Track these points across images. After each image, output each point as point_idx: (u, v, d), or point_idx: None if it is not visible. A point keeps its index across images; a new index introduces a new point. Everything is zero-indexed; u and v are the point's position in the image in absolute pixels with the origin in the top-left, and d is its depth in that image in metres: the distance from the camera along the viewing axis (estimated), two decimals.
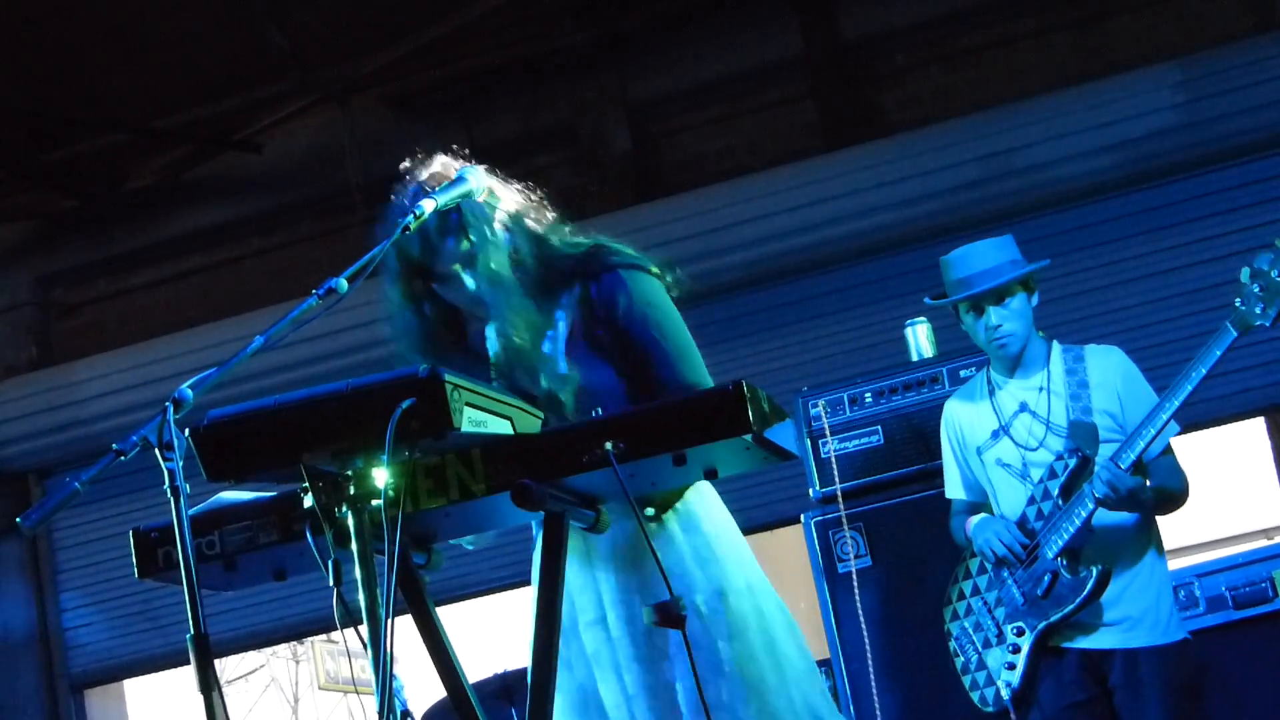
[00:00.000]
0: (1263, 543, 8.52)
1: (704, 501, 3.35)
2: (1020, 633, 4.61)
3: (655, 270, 3.39)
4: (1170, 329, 7.26)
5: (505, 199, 3.36)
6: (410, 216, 3.01)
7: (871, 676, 5.39)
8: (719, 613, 3.22)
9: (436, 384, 2.51)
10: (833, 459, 5.64)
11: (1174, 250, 7.73)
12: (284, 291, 8.24)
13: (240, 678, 13.18)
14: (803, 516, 5.67)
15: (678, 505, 3.30)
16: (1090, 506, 4.46)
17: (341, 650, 13.31)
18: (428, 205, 3.06)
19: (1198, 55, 7.70)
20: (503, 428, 2.66)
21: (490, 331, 3.34)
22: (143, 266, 9.55)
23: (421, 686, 6.97)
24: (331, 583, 2.62)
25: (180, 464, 2.52)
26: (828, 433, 5.66)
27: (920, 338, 5.88)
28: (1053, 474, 4.58)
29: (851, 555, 5.53)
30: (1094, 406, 4.60)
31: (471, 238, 3.27)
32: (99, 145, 9.08)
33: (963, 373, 5.43)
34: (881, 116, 8.42)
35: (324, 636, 11.57)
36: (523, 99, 8.75)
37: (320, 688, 13.81)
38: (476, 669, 6.79)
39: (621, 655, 3.24)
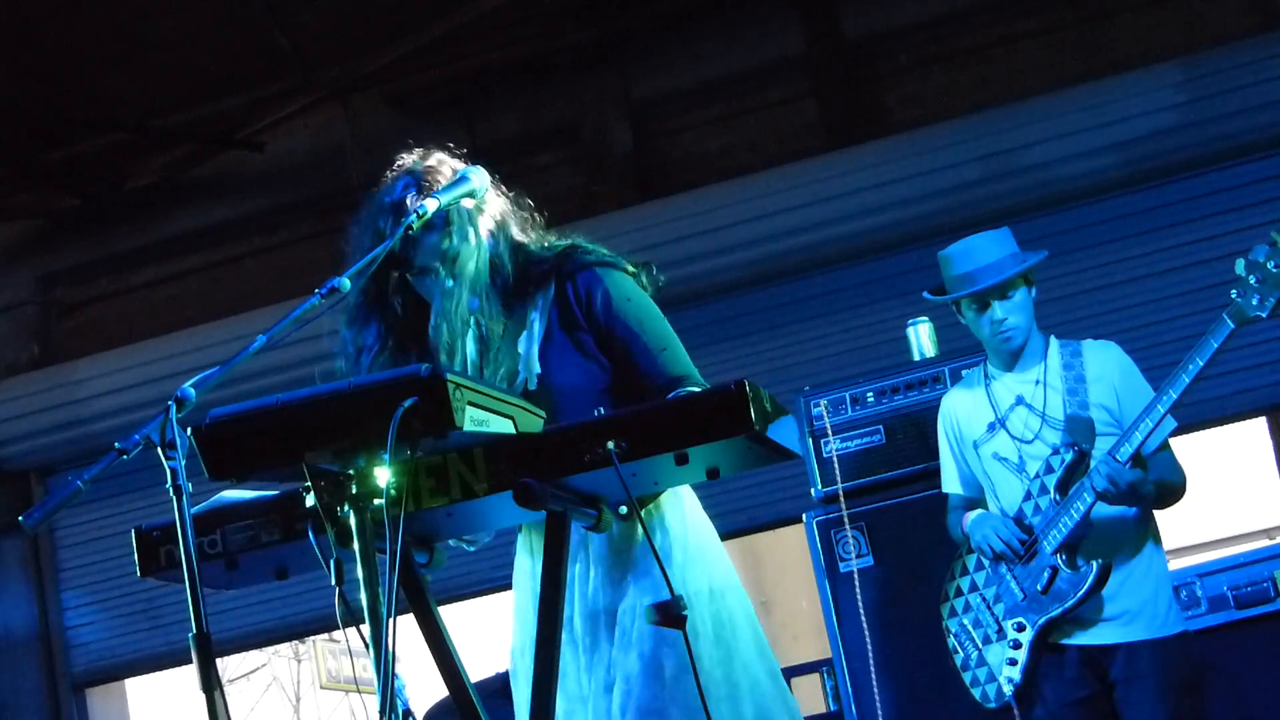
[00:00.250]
0: (1264, 542, 8.52)
1: (676, 504, 3.34)
2: (1021, 628, 4.61)
3: (630, 269, 3.40)
4: (1171, 328, 7.26)
5: (493, 204, 3.37)
6: (413, 215, 3.01)
7: (873, 675, 5.38)
8: (626, 627, 3.22)
9: (438, 383, 2.51)
10: (834, 458, 5.63)
11: (1175, 250, 7.73)
12: (286, 290, 8.24)
13: (242, 677, 13.18)
14: (804, 516, 5.67)
15: (650, 506, 3.29)
16: (1089, 501, 4.45)
17: (343, 649, 13.31)
18: (430, 204, 3.07)
19: (1199, 55, 7.70)
20: (505, 427, 2.66)
21: (443, 329, 3.33)
22: (144, 265, 9.55)
23: (423, 685, 6.97)
24: (333, 582, 2.63)
25: (182, 463, 2.52)
26: (829, 432, 5.66)
27: (922, 337, 5.87)
28: (1049, 469, 4.58)
29: (853, 554, 5.53)
30: (1091, 401, 4.60)
31: (454, 237, 3.27)
32: (100, 144, 9.08)
33: (964, 372, 5.42)
34: (883, 116, 8.41)
35: (326, 635, 11.56)
36: (524, 98, 8.75)
37: (322, 687, 13.81)
38: (478, 668, 6.79)
39: (591, 658, 3.24)
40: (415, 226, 3.03)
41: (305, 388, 2.61)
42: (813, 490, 5.67)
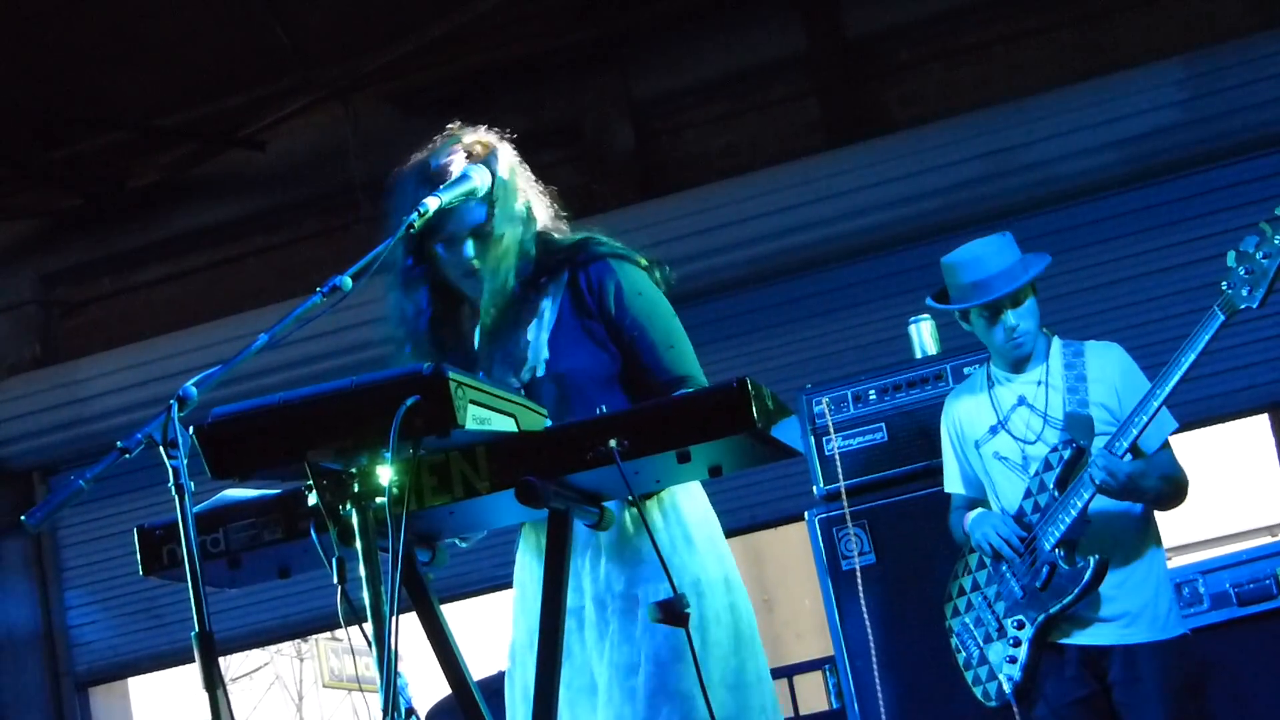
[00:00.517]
0: (1267, 540, 8.52)
1: (690, 493, 3.34)
2: (1020, 626, 4.61)
3: (644, 263, 3.41)
4: (1172, 325, 7.25)
5: (526, 187, 3.40)
6: (414, 214, 3.01)
7: (875, 673, 5.38)
8: (690, 602, 3.19)
9: (440, 381, 2.51)
10: (836, 456, 5.63)
11: (1176, 247, 7.73)
12: (287, 289, 8.24)
13: (244, 675, 13.19)
14: (807, 514, 5.67)
15: (663, 494, 3.29)
16: (1086, 496, 4.45)
17: (346, 648, 13.31)
18: (432, 203, 3.07)
19: (1200, 52, 7.70)
20: (507, 425, 2.66)
21: (491, 312, 3.34)
22: (146, 264, 9.56)
23: (426, 684, 6.97)
24: (336, 580, 2.62)
25: (184, 461, 2.53)
26: (831, 430, 5.66)
27: (924, 335, 5.87)
28: (1048, 466, 4.58)
29: (855, 552, 5.53)
30: (1090, 400, 4.60)
31: (498, 216, 3.29)
32: (102, 143, 9.08)
33: (966, 370, 5.42)
34: (884, 114, 8.41)
35: (328, 634, 11.57)
36: (526, 97, 8.75)
37: (324, 685, 13.82)
38: (481, 666, 6.79)
39: (601, 643, 3.23)
40: (416, 224, 3.03)
41: (307, 386, 2.61)
42: (815, 488, 5.67)
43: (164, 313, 9.38)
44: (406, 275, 3.41)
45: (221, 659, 2.55)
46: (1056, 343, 4.76)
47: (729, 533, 3.51)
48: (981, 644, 4.74)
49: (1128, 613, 4.52)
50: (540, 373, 3.30)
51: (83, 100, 8.74)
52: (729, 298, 8.21)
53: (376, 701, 2.55)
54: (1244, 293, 4.37)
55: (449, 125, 3.49)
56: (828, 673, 7.03)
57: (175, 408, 2.55)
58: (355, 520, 2.63)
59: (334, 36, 8.53)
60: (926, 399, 5.57)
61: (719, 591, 3.27)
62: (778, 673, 6.21)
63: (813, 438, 5.67)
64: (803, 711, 7.22)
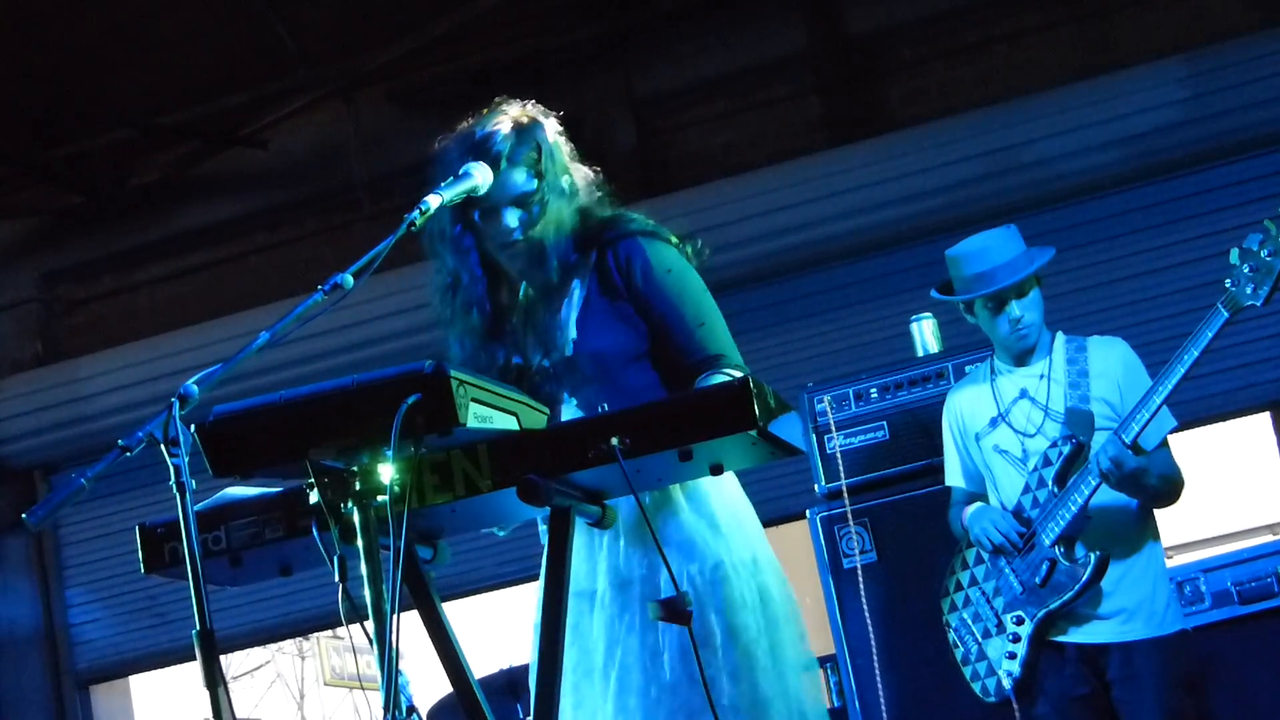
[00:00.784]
0: (1268, 538, 8.52)
1: (698, 480, 3.32)
2: (1020, 621, 4.61)
3: (674, 240, 3.40)
4: (1174, 323, 7.25)
5: (569, 164, 3.42)
6: (416, 212, 3.01)
7: (877, 672, 5.38)
8: (715, 585, 3.20)
9: (442, 380, 2.51)
10: (838, 454, 5.63)
11: (1178, 245, 7.73)
12: (289, 288, 8.24)
13: (246, 674, 13.17)
14: (808, 512, 5.67)
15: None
16: (1086, 492, 4.45)
17: (347, 646, 13.30)
18: (433, 201, 3.06)
19: (1203, 50, 7.70)
20: (508, 423, 2.66)
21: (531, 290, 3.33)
22: (148, 263, 9.56)
23: (427, 682, 6.98)
24: (337, 578, 2.62)
25: (186, 460, 2.53)
26: (833, 428, 5.66)
27: (925, 333, 5.87)
28: (1047, 461, 4.58)
29: (857, 551, 5.53)
30: (1092, 394, 4.60)
31: (544, 179, 3.31)
32: (104, 142, 9.09)
33: (968, 368, 5.42)
34: (886, 112, 8.41)
35: (329, 632, 11.56)
36: (527, 95, 8.66)
37: (326, 683, 13.80)
38: (482, 664, 6.79)
39: (617, 626, 3.23)
40: (418, 223, 3.02)
41: (309, 384, 2.61)
42: (816, 486, 5.68)
43: (165, 311, 9.38)
44: (456, 244, 3.38)
45: (223, 657, 2.55)
46: (1060, 337, 4.76)
47: None
48: (980, 640, 4.73)
49: (1125, 609, 4.52)
50: (568, 352, 3.30)
51: (84, 99, 8.74)
52: (730, 296, 8.16)
53: (378, 700, 2.55)
54: (1248, 290, 4.36)
55: (495, 99, 3.50)
56: (829, 671, 7.02)
57: (176, 406, 2.55)
58: (357, 518, 2.63)
59: (335, 35, 8.54)
60: (928, 397, 5.57)
61: (746, 574, 3.25)
62: None
63: (814, 436, 5.67)
64: None
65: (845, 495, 5.56)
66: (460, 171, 3.22)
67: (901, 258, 7.98)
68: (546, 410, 2.81)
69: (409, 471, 2.59)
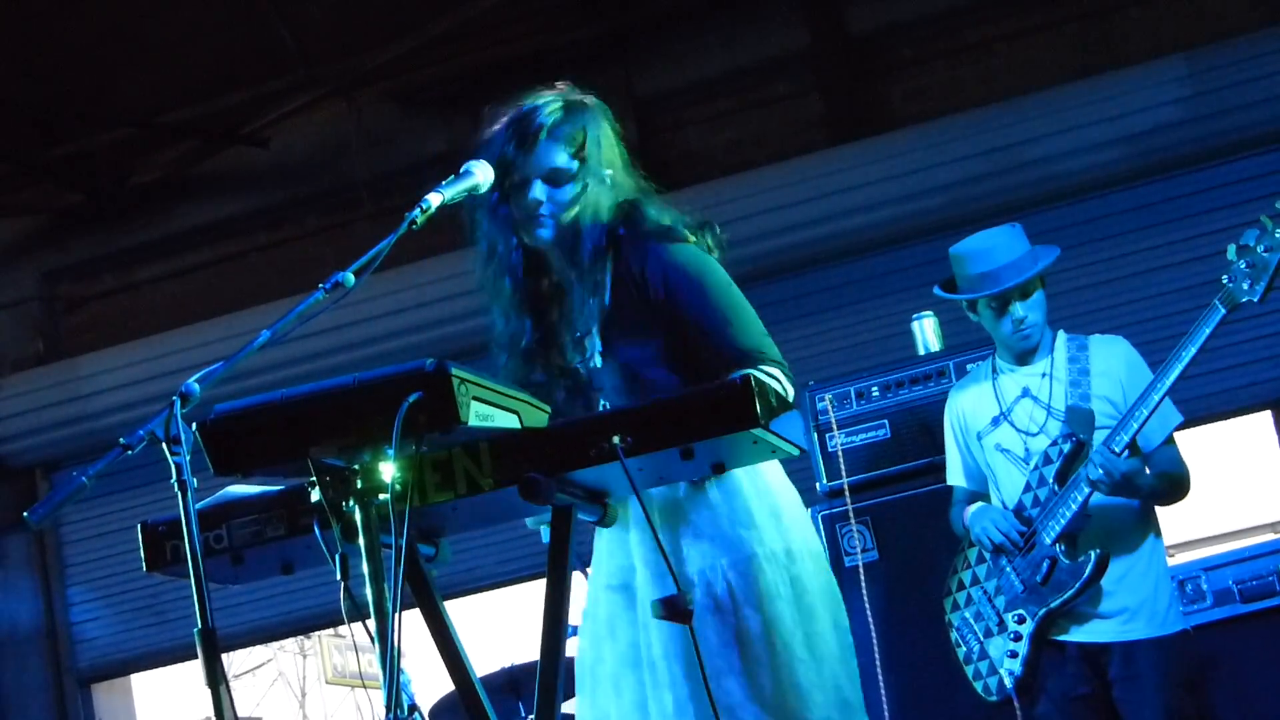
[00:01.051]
0: (1269, 537, 8.52)
1: (745, 470, 3.28)
2: (1021, 620, 4.61)
3: (691, 238, 3.35)
4: (1176, 322, 7.23)
5: (614, 155, 3.39)
6: (417, 211, 3.00)
7: (878, 670, 5.39)
8: (747, 578, 3.17)
9: (443, 378, 2.51)
10: (839, 453, 5.63)
11: (1180, 244, 7.72)
12: (290, 286, 8.23)
13: (247, 672, 13.17)
14: (809, 510, 5.66)
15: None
16: (1086, 491, 4.45)
17: (349, 644, 13.30)
18: (434, 199, 3.05)
19: (1205, 49, 7.69)
20: (509, 422, 2.66)
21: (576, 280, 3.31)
22: (149, 261, 9.56)
23: (429, 681, 6.98)
24: (339, 577, 2.62)
25: (187, 458, 2.52)
26: (834, 427, 5.66)
27: (927, 331, 5.87)
28: (1047, 460, 4.58)
29: (858, 549, 5.53)
30: (1093, 393, 4.60)
31: (585, 163, 3.29)
32: (106, 140, 9.08)
33: (969, 366, 5.43)
34: (888, 110, 8.41)
35: (331, 631, 11.57)
36: (528, 94, 8.73)
37: (328, 682, 13.80)
38: (484, 663, 6.80)
39: (643, 619, 3.22)
40: (419, 222, 3.02)
41: (310, 383, 2.61)
42: (818, 485, 5.68)
43: (166, 310, 9.38)
44: (492, 210, 3.37)
45: (224, 655, 2.55)
46: (1062, 336, 4.76)
47: None
48: (982, 638, 4.74)
49: (1127, 608, 4.52)
50: (597, 364, 3.29)
51: (85, 97, 8.74)
52: None
53: (379, 698, 2.55)
54: (1245, 286, 4.36)
55: (558, 82, 3.49)
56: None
57: (178, 404, 2.55)
58: (358, 516, 2.63)
59: (337, 33, 8.53)
60: (929, 395, 5.58)
61: (778, 565, 3.21)
62: None
63: (815, 434, 5.67)
64: None
65: (846, 493, 5.56)
66: (462, 170, 3.21)
67: (902, 256, 7.98)
68: (548, 409, 2.81)
69: (410, 470, 2.59)
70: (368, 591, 2.62)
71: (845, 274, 8.19)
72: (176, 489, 2.51)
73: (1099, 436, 4.50)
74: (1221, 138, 7.63)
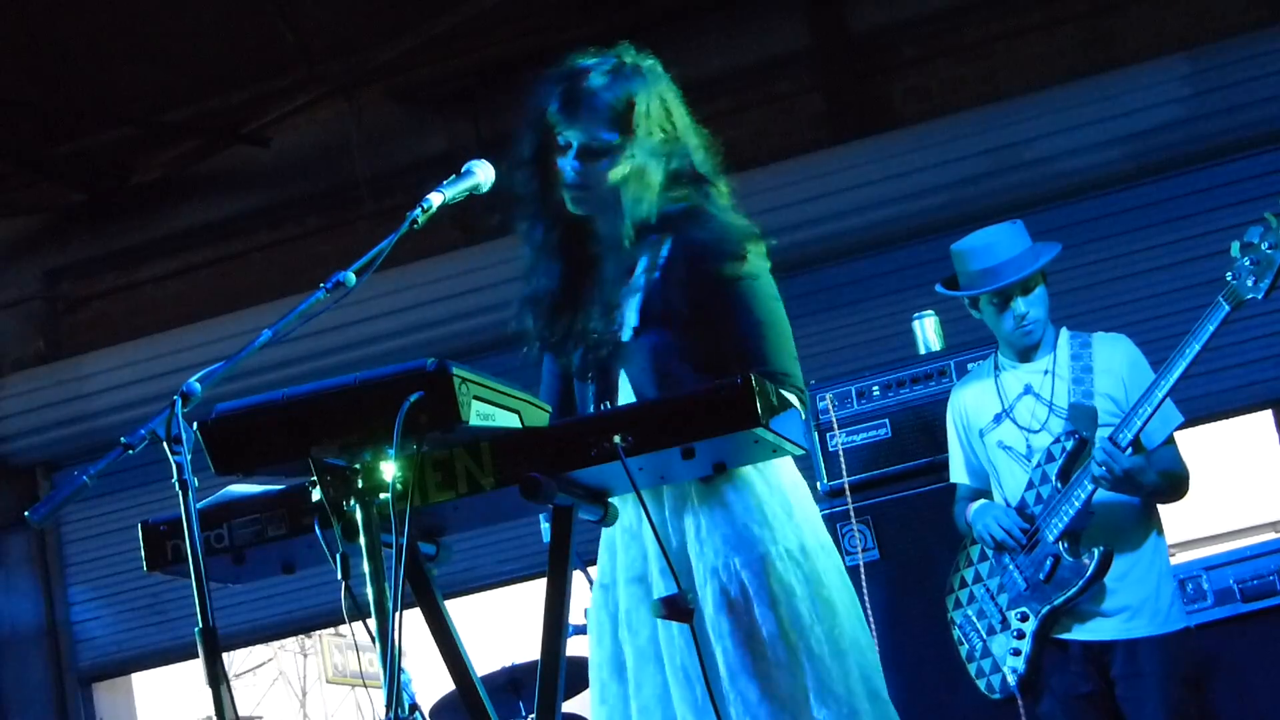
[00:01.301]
0: (1270, 536, 8.52)
1: (746, 470, 3.27)
2: (1024, 618, 4.61)
3: (749, 249, 3.29)
4: (1178, 321, 7.22)
5: (670, 126, 3.34)
6: (418, 210, 3.00)
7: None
8: (762, 576, 3.16)
9: (444, 377, 2.51)
10: (840, 452, 5.63)
11: (1182, 243, 7.72)
12: (292, 285, 8.24)
13: (248, 671, 13.17)
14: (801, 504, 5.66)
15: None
16: (1089, 488, 4.45)
17: (350, 644, 13.30)
18: (435, 199, 3.05)
19: (1206, 47, 7.69)
20: (510, 421, 2.66)
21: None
22: (150, 260, 9.57)
23: (430, 680, 6.98)
24: (340, 576, 2.62)
25: (188, 457, 2.52)
26: (835, 426, 5.66)
27: (928, 330, 5.87)
28: (1050, 457, 4.58)
29: (859, 548, 5.53)
30: (1096, 390, 4.60)
31: (631, 134, 3.25)
32: (107, 139, 9.09)
33: (970, 365, 5.43)
34: (889, 109, 8.41)
35: (332, 630, 11.57)
36: (531, 92, 8.73)
37: (328, 681, 13.80)
38: (485, 662, 6.80)
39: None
40: (420, 221, 3.02)
41: (311, 382, 2.61)
42: (819, 484, 5.67)
43: (168, 308, 9.39)
44: (530, 164, 3.37)
45: (225, 654, 2.56)
46: (1065, 333, 4.76)
47: None
48: (985, 636, 4.74)
49: (1129, 606, 4.52)
50: (624, 338, 3.27)
51: (87, 96, 8.74)
52: None
53: (380, 697, 2.55)
54: (1249, 283, 4.36)
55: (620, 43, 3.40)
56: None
57: (179, 403, 2.55)
58: (359, 516, 2.63)
59: (338, 32, 8.53)
60: (930, 395, 5.57)
61: (793, 562, 3.20)
62: None
63: (816, 433, 5.67)
64: None
65: (847, 493, 5.56)
66: (463, 169, 3.21)
67: (903, 255, 7.98)
68: (549, 408, 2.80)
69: (411, 469, 2.59)
70: (368, 591, 2.62)
71: (846, 273, 8.19)
72: (177, 488, 2.51)
73: (1101, 434, 4.50)
74: (1222, 137, 7.62)
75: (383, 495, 2.60)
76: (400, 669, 2.56)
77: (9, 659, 9.29)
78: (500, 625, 9.03)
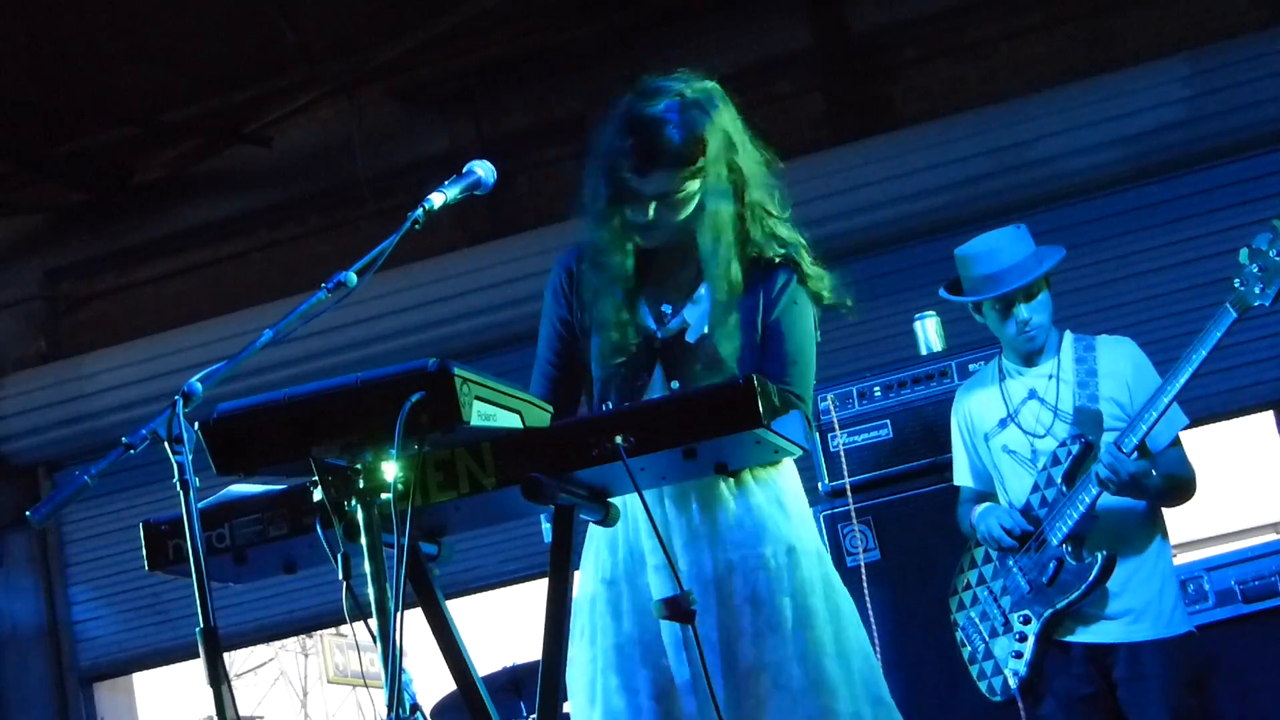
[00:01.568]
0: (1272, 537, 8.52)
1: (787, 467, 3.36)
2: (1027, 621, 4.61)
3: (810, 273, 3.55)
4: (1180, 322, 7.25)
5: (741, 145, 3.44)
6: (419, 210, 3.00)
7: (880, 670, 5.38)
8: (787, 569, 3.22)
9: (446, 377, 2.50)
10: (841, 453, 5.63)
11: (1183, 244, 7.72)
12: (293, 285, 8.24)
13: (249, 671, 13.20)
14: (811, 510, 5.66)
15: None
16: (1094, 492, 4.45)
17: (351, 644, 13.32)
18: (436, 199, 3.05)
19: (1207, 48, 7.69)
20: (512, 421, 2.66)
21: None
22: (151, 260, 9.57)
23: (431, 680, 6.98)
24: (341, 576, 2.62)
25: (189, 457, 2.53)
26: (836, 427, 5.66)
27: (929, 331, 5.87)
28: (1056, 460, 4.58)
29: (860, 549, 5.53)
30: (1101, 394, 4.60)
31: (704, 172, 3.32)
32: (108, 138, 9.09)
33: (971, 366, 5.43)
34: (890, 109, 8.41)
35: (333, 630, 11.58)
36: (532, 91, 8.75)
37: (329, 681, 13.82)
38: (486, 662, 6.80)
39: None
40: (422, 221, 3.01)
41: (313, 382, 2.61)
42: (820, 485, 5.67)
43: (169, 308, 9.38)
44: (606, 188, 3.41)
45: (226, 654, 2.55)
46: (1069, 336, 4.76)
47: None
48: (987, 638, 4.74)
49: (1132, 609, 4.51)
50: (691, 338, 3.33)
51: (88, 96, 8.74)
52: None
53: (381, 697, 2.55)
54: (1256, 290, 4.37)
55: (678, 70, 3.50)
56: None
57: (180, 403, 2.55)
58: (360, 516, 2.63)
59: (339, 32, 8.53)
60: (931, 396, 5.57)
61: (813, 560, 3.27)
62: None
63: (818, 434, 5.67)
64: None
65: (849, 494, 5.56)
66: (465, 170, 3.21)
67: (905, 256, 7.98)
68: (550, 409, 2.81)
69: (413, 469, 2.59)
70: (370, 591, 2.62)
71: (847, 273, 8.06)
72: (179, 488, 2.52)
73: (1107, 438, 4.50)
74: (1224, 137, 7.62)
75: (384, 495, 2.60)
76: (401, 669, 2.56)
77: (10, 659, 9.30)
78: (501, 625, 9.04)
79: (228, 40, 8.53)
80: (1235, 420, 7.97)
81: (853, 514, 5.55)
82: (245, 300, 8.88)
